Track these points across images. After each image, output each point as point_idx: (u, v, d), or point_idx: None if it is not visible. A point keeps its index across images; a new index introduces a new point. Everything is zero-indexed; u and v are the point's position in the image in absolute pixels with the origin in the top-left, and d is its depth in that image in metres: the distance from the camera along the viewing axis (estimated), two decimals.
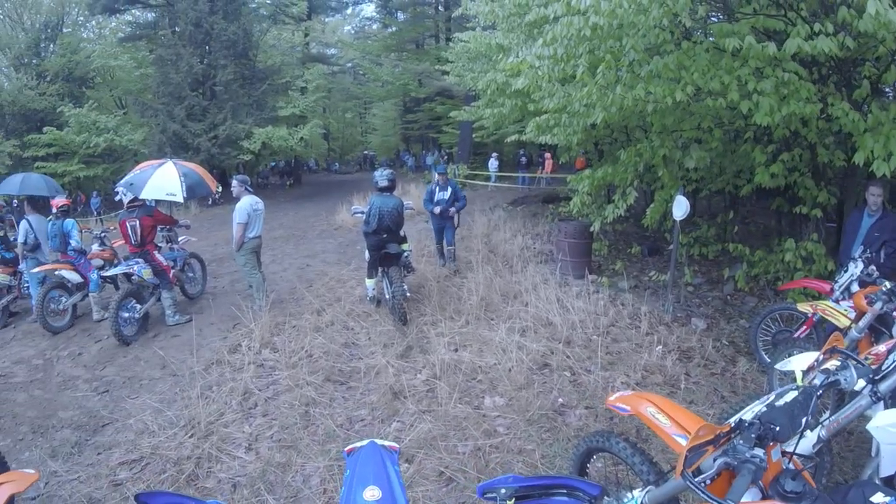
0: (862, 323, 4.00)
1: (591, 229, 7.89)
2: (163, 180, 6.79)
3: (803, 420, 1.84)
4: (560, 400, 4.43)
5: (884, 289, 3.96)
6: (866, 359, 2.68)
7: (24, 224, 7.53)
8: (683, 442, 1.95)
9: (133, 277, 6.77)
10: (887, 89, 6.73)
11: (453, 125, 25.94)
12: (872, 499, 1.56)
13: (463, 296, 6.89)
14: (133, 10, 28.96)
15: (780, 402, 1.90)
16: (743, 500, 1.63)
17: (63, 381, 5.56)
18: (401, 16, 37.66)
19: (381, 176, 6.55)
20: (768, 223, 9.30)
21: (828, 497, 1.66)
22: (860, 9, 3.90)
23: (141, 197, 6.74)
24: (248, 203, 6.81)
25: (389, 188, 6.55)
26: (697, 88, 5.19)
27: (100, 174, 26.61)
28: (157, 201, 7.30)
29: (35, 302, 6.87)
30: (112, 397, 5.11)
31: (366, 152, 46.80)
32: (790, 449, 1.90)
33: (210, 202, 20.54)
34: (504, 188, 21.36)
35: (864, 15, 3.78)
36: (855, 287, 4.48)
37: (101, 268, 7.12)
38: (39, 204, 8.27)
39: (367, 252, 6.81)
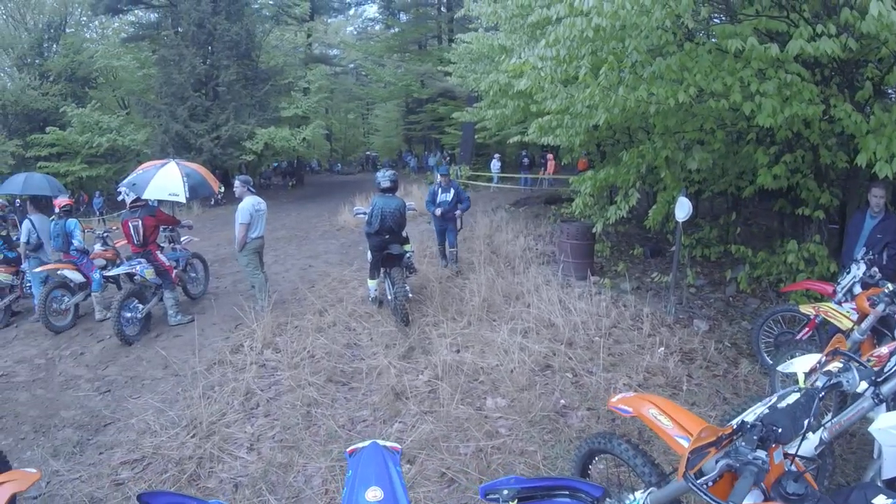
0: (864, 325, 3.99)
1: (594, 230, 7.89)
2: (165, 180, 6.81)
3: (805, 422, 1.84)
4: (562, 401, 4.43)
5: (886, 291, 3.95)
6: (868, 361, 2.68)
7: (26, 224, 7.55)
8: (685, 444, 1.95)
9: (135, 277, 6.78)
10: (890, 91, 6.71)
11: (456, 126, 25.93)
12: (874, 501, 1.55)
13: (465, 297, 6.90)
14: (136, 11, 29.04)
15: (783, 404, 1.90)
16: (745, 502, 1.62)
17: (65, 381, 5.57)
18: (403, 17, 37.72)
19: (384, 177, 6.55)
20: (771, 225, 9.30)
21: (830, 499, 1.66)
22: (863, 10, 3.91)
23: (144, 197, 6.76)
24: (250, 203, 6.82)
25: (392, 189, 6.55)
26: (700, 90, 5.18)
27: (102, 174, 26.66)
28: (160, 201, 7.32)
29: (37, 301, 6.88)
30: (114, 397, 5.12)
31: (368, 153, 46.83)
32: (792, 451, 1.89)
33: (212, 202, 20.63)
34: (506, 189, 21.37)
35: (866, 16, 3.78)
36: (857, 289, 4.47)
37: (104, 267, 7.15)
38: (42, 203, 8.29)
39: (369, 253, 6.82)
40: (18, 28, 29.33)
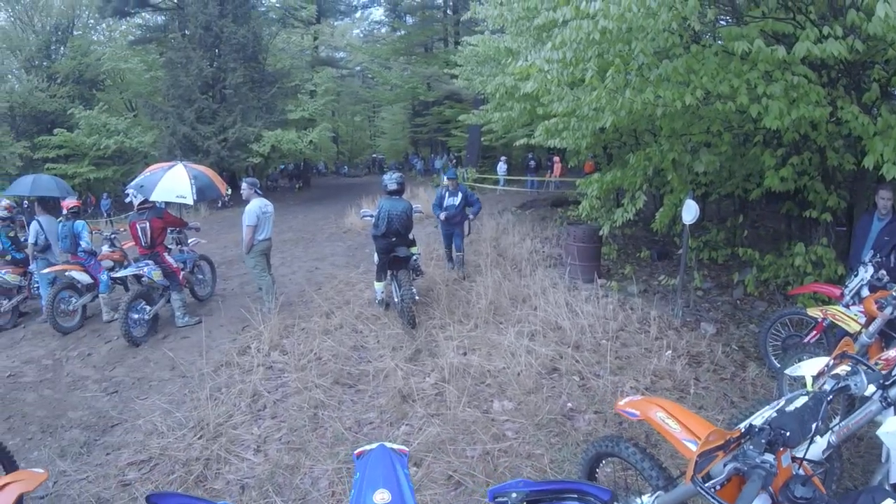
0: (872, 328, 3.97)
1: (601, 233, 7.87)
2: (173, 183, 6.86)
3: (813, 425, 1.83)
4: (569, 404, 4.42)
5: (894, 293, 3.92)
6: (876, 364, 2.66)
7: (34, 225, 7.61)
8: (693, 447, 1.95)
9: (143, 279, 6.82)
10: None
11: (462, 129, 25.93)
12: None
13: (472, 299, 6.89)
14: (143, 14, 29.29)
15: (791, 408, 1.90)
16: None
17: (72, 382, 5.61)
18: (409, 19, 37.75)
19: (391, 179, 6.56)
20: (778, 227, 9.25)
21: (837, 503, 1.65)
22: (869, 11, 3.89)
23: (151, 199, 6.81)
24: (257, 206, 6.85)
25: (398, 191, 6.57)
26: (707, 92, 5.17)
27: (110, 176, 26.81)
28: (168, 203, 7.36)
29: (45, 302, 6.94)
30: (121, 398, 5.15)
31: (374, 156, 46.91)
32: (800, 454, 1.89)
33: (220, 204, 20.70)
34: (513, 192, 21.35)
35: (873, 18, 3.77)
36: (865, 292, 4.44)
37: (111, 269, 7.19)
38: (50, 205, 8.36)
39: (375, 255, 6.83)
40: (26, 30, 29.57)
